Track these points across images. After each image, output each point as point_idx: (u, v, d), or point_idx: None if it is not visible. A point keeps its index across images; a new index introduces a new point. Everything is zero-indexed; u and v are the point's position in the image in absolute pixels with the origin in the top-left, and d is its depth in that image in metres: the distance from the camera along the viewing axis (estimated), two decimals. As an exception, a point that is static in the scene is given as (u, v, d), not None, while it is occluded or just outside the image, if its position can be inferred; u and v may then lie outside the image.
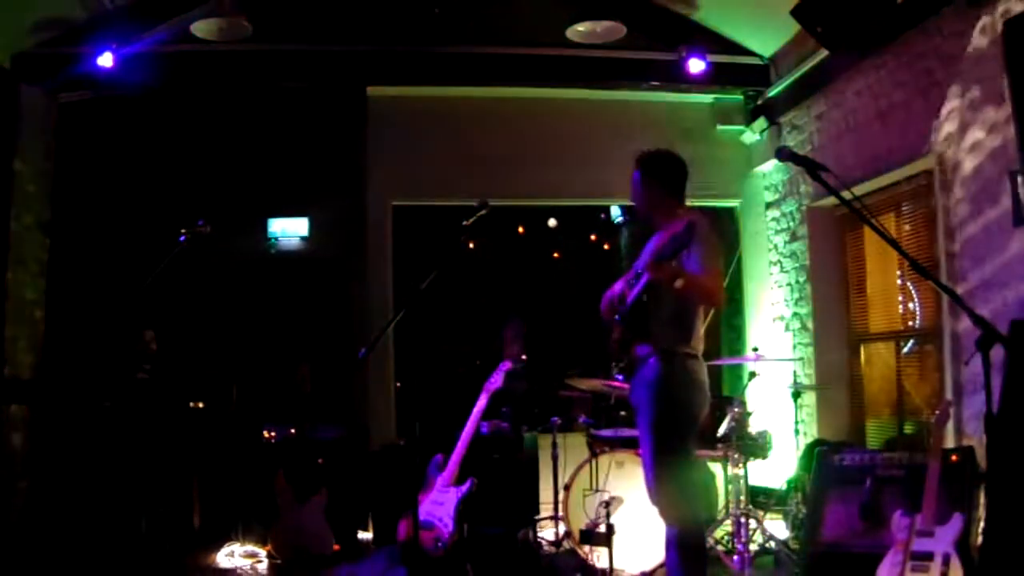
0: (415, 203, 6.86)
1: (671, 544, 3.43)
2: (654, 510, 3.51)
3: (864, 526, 4.16)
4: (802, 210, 6.35)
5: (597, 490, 4.85)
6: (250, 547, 5.33)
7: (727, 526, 5.03)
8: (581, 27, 5.80)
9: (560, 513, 5.28)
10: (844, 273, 6.20)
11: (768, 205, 6.92)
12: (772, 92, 6.57)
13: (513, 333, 5.68)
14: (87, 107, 6.37)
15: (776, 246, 6.80)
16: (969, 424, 4.50)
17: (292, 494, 5.26)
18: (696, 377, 3.46)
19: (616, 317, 3.59)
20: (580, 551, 4.90)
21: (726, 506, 5.16)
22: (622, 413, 5.32)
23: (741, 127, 6.88)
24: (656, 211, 3.66)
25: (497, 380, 5.11)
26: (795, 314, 6.46)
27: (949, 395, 4.59)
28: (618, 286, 3.67)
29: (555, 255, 9.06)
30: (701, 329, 3.56)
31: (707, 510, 5.21)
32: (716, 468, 5.39)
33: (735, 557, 4.75)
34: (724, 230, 7.33)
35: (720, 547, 4.95)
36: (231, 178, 6.46)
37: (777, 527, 5.30)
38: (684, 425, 3.44)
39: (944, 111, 4.67)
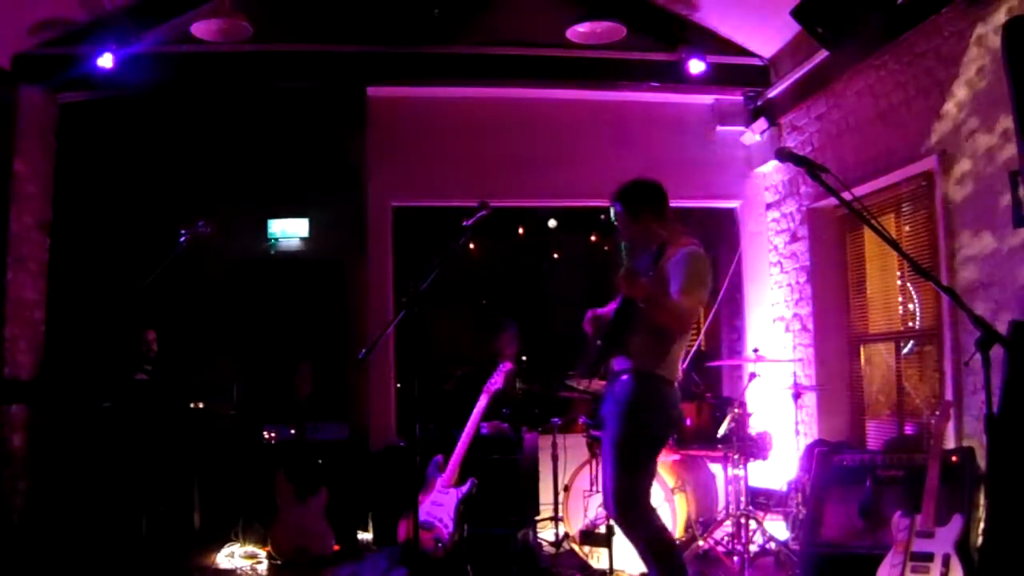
0: (415, 204, 6.86)
1: (644, 559, 3.46)
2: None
3: (864, 527, 4.17)
4: (802, 211, 6.35)
5: (597, 491, 4.85)
6: (250, 547, 5.34)
7: (727, 527, 5.03)
8: (581, 27, 5.81)
9: (560, 514, 5.29)
10: (844, 274, 6.19)
11: (768, 206, 6.92)
12: (772, 93, 6.57)
13: (508, 337, 5.69)
14: (87, 107, 6.37)
15: (776, 247, 6.80)
16: (969, 425, 4.50)
17: (292, 494, 5.26)
18: (665, 403, 3.47)
19: (604, 330, 3.58)
20: (580, 552, 4.91)
21: (726, 507, 5.16)
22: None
23: (741, 128, 6.88)
24: (652, 241, 3.61)
25: (497, 381, 5.12)
26: (795, 315, 6.46)
27: (949, 396, 4.58)
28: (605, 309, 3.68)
29: (555, 256, 9.06)
30: (679, 356, 3.54)
31: (705, 512, 5.21)
32: (716, 468, 5.39)
33: (735, 558, 4.76)
34: (724, 231, 7.35)
35: (720, 548, 4.95)
36: (231, 179, 6.46)
37: (777, 528, 5.30)
38: (646, 447, 3.46)
39: (944, 111, 4.67)
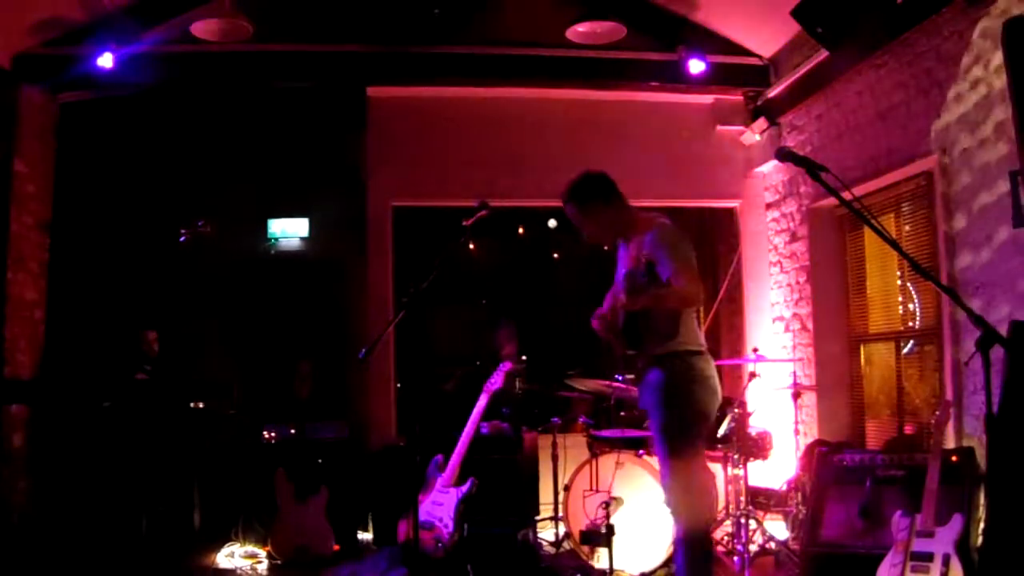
0: (415, 204, 6.86)
1: (678, 543, 3.46)
2: (655, 511, 3.53)
3: (864, 527, 4.17)
4: (802, 210, 6.35)
5: (597, 491, 4.85)
6: (250, 547, 5.34)
7: (727, 527, 5.03)
8: (581, 27, 5.81)
9: (560, 513, 5.29)
10: (844, 273, 6.19)
11: (768, 205, 6.92)
12: (772, 92, 6.57)
13: (506, 334, 5.68)
14: (87, 107, 6.37)
15: (776, 246, 6.80)
16: (969, 424, 4.50)
17: (292, 494, 5.27)
18: (700, 374, 3.46)
19: (620, 339, 3.61)
20: (580, 552, 4.90)
21: (726, 507, 5.16)
22: (622, 413, 5.33)
23: (741, 127, 6.88)
24: (615, 230, 3.65)
25: (497, 380, 5.12)
26: (795, 314, 6.46)
27: (949, 395, 4.58)
28: (607, 304, 3.69)
29: (555, 255, 9.07)
30: (693, 321, 3.56)
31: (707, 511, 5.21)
32: (716, 468, 5.39)
33: (735, 558, 4.76)
34: (724, 231, 7.34)
35: (720, 548, 4.95)
36: (231, 178, 6.46)
37: (777, 528, 5.31)
38: (690, 424, 3.45)
39: (944, 111, 4.67)
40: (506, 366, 5.16)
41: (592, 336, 3.73)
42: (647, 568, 4.61)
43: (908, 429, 5.42)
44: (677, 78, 6.44)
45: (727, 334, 7.34)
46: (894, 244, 2.98)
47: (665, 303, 3.34)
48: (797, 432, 5.51)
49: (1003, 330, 3.68)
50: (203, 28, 5.48)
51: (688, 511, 3.42)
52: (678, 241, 3.45)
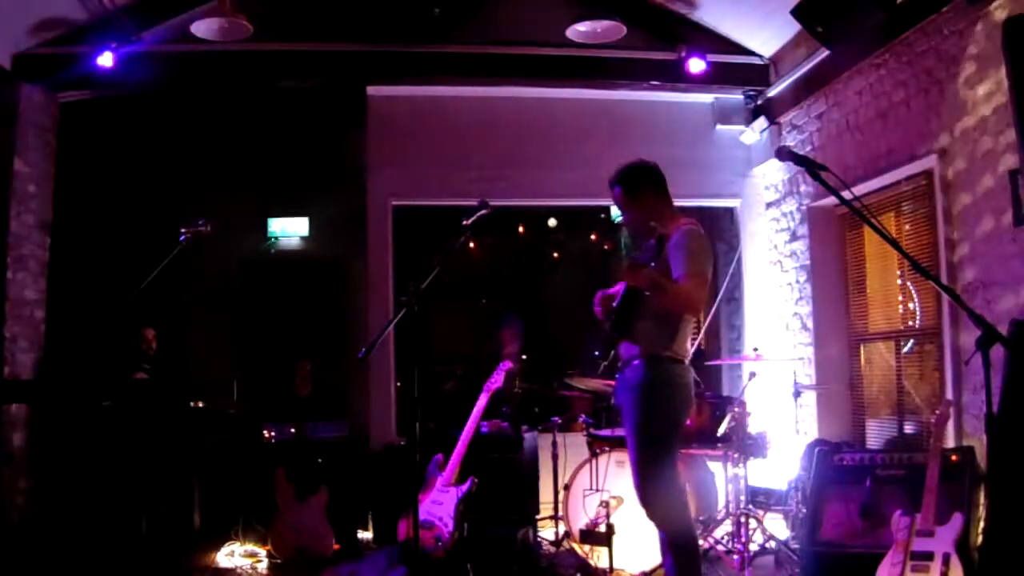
0: (415, 203, 6.86)
1: (664, 547, 3.45)
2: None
3: (864, 526, 4.17)
4: (802, 210, 6.35)
5: (597, 490, 4.85)
6: (250, 547, 5.35)
7: (727, 526, 5.03)
8: (581, 27, 5.80)
9: (560, 513, 5.29)
10: (844, 273, 6.19)
11: (768, 205, 6.92)
12: (772, 92, 6.57)
13: (511, 333, 5.68)
14: (87, 107, 6.37)
15: (776, 246, 6.80)
16: (969, 424, 4.50)
17: (292, 493, 5.27)
18: (679, 382, 3.46)
19: (610, 318, 3.59)
20: (580, 551, 4.90)
21: (726, 506, 5.16)
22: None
23: (741, 127, 6.88)
24: (652, 223, 3.64)
25: (498, 379, 5.12)
26: (795, 314, 6.46)
27: (949, 395, 4.58)
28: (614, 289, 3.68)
29: (555, 255, 9.07)
30: (688, 334, 3.55)
31: (705, 510, 5.21)
32: (716, 468, 5.39)
33: (735, 557, 4.75)
34: (724, 230, 7.34)
35: (720, 547, 4.95)
36: (231, 178, 6.46)
37: (777, 527, 5.30)
38: (666, 430, 3.44)
39: (944, 110, 4.67)
40: (506, 365, 5.16)
41: (592, 336, 3.72)
42: (647, 567, 4.60)
43: (908, 428, 5.42)
44: (677, 77, 6.44)
45: (727, 333, 7.34)
46: (894, 243, 2.98)
47: (664, 294, 3.29)
48: (797, 432, 5.51)
49: (1003, 329, 3.68)
50: (203, 27, 5.47)
51: (666, 516, 3.41)
52: (699, 247, 3.44)
